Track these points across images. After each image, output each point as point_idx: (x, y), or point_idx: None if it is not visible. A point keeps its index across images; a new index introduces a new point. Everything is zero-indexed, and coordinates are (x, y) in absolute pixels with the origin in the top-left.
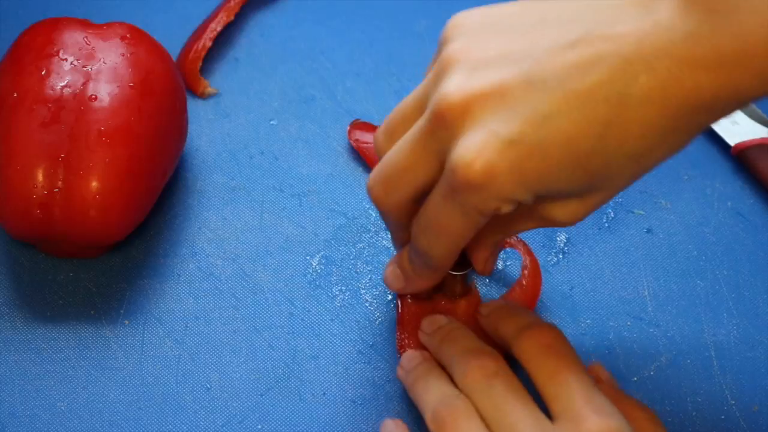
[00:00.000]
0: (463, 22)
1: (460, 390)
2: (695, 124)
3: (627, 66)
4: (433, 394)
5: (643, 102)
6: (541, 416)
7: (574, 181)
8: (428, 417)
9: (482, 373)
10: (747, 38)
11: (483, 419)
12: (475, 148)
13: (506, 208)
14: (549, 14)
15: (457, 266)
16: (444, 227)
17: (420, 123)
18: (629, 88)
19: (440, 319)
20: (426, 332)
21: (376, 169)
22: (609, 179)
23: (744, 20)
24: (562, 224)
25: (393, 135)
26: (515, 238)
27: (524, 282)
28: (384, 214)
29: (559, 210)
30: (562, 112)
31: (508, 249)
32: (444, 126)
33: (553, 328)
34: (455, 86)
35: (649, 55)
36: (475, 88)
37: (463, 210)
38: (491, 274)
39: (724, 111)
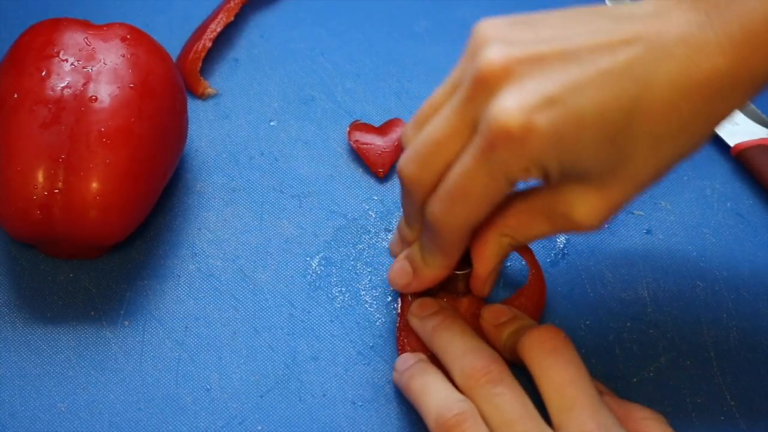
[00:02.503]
0: (491, 21)
1: (460, 389)
2: (715, 112)
3: (651, 51)
4: (433, 396)
5: (667, 84)
6: (547, 429)
7: (601, 155)
8: (432, 421)
9: (487, 379)
10: (754, 22)
11: (486, 422)
12: (517, 102)
13: (535, 174)
14: (569, 14)
15: (460, 265)
16: (467, 193)
17: (459, 94)
18: (654, 71)
19: (432, 304)
20: (417, 316)
21: (408, 151)
22: (631, 161)
23: (750, 7)
24: (579, 224)
25: (422, 125)
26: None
27: (528, 290)
28: (412, 196)
29: (580, 205)
30: (595, 84)
31: (512, 255)
32: (485, 88)
33: (558, 332)
34: (495, 52)
35: (669, 42)
36: (513, 54)
37: (491, 171)
38: (488, 293)
39: (742, 96)
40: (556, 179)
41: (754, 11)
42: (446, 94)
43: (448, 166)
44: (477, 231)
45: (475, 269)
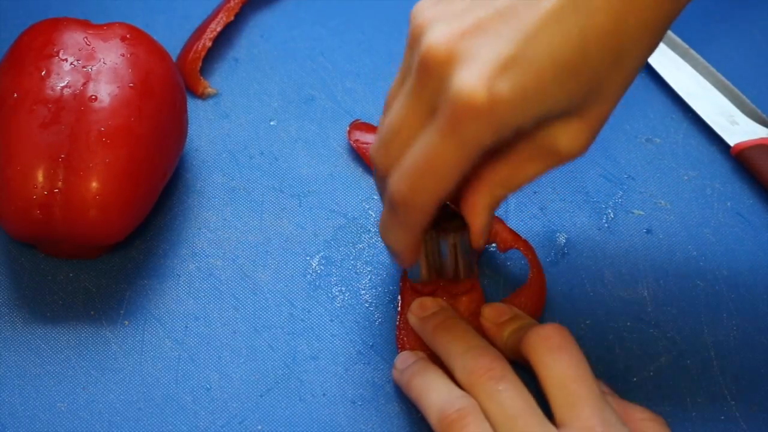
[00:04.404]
0: (423, 3)
1: (462, 385)
2: (661, 12)
3: None
4: (435, 393)
5: (606, 3)
6: (549, 425)
7: (571, 93)
8: (434, 417)
9: (489, 375)
10: None
11: (488, 419)
12: (475, 76)
13: (509, 134)
14: None
15: (447, 224)
16: (435, 167)
17: (408, 83)
18: None
19: (432, 304)
20: (417, 316)
21: (375, 139)
22: (600, 86)
23: None
24: (568, 154)
25: (396, 147)
26: (519, 241)
27: (529, 289)
28: (383, 180)
29: (565, 135)
30: (540, 29)
31: (512, 254)
32: (434, 73)
33: (562, 329)
34: (435, 36)
35: None
36: (453, 31)
37: (461, 144)
38: (485, 243)
39: None
40: (533, 128)
41: None
42: (398, 83)
43: (409, 147)
44: (467, 189)
45: (470, 225)
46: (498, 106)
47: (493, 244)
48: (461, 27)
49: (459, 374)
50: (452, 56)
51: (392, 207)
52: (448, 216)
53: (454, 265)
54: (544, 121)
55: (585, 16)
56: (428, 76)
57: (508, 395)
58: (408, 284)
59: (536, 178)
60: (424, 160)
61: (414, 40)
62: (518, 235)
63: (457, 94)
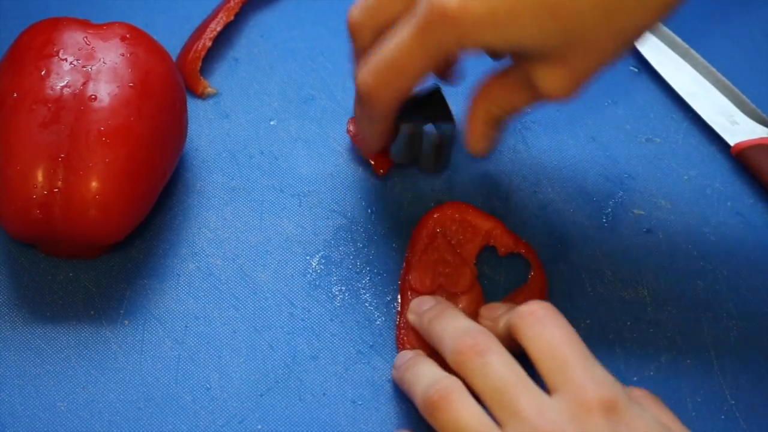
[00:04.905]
0: None
1: (452, 368)
2: None
3: None
4: (422, 379)
5: None
6: (539, 390)
7: (548, 33)
8: (419, 402)
9: (475, 350)
10: None
11: (478, 396)
12: None
13: (472, 50)
14: None
15: (434, 116)
16: (401, 65)
17: (412, 19)
18: None
19: (429, 300)
20: (415, 312)
21: (370, 63)
22: (583, 36)
23: None
24: (550, 94)
25: (372, 13)
26: (520, 242)
27: (530, 289)
28: (354, 43)
29: (546, 76)
30: None
31: (512, 254)
32: (443, 21)
33: (545, 303)
34: None
35: None
36: None
37: (426, 47)
38: (485, 154)
39: None
40: (513, 54)
41: None
42: None
43: (387, 25)
44: (471, 99)
45: (466, 130)
46: (466, 17)
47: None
48: None
49: (449, 358)
50: None
51: (359, 97)
52: (438, 108)
53: (433, 157)
54: (526, 56)
55: None
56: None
57: (494, 368)
58: (408, 284)
59: (526, 107)
60: (391, 56)
61: None
62: (519, 239)
63: (432, 1)
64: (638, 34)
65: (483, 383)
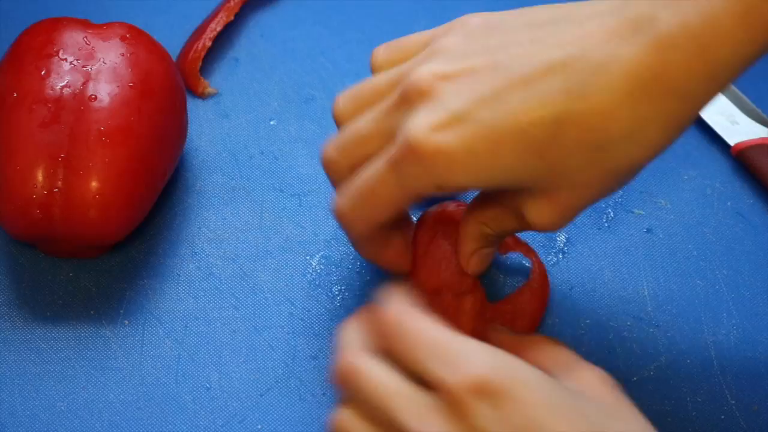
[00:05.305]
0: (468, 20)
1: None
2: (666, 110)
3: (586, 59)
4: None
5: (598, 92)
6: (419, 392)
7: (530, 170)
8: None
9: (345, 377)
10: (714, 6)
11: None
12: (428, 120)
13: (453, 190)
14: (541, 16)
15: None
16: (375, 195)
17: (390, 98)
18: (588, 81)
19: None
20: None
21: (337, 135)
22: (567, 172)
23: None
24: (537, 227)
25: (358, 102)
26: (521, 240)
27: (530, 289)
28: (329, 177)
29: (532, 209)
30: (516, 91)
31: (513, 253)
32: (408, 102)
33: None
34: (428, 69)
35: (622, 36)
36: (446, 71)
37: (400, 182)
38: (478, 273)
39: (701, 94)
40: (496, 189)
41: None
42: (390, 84)
43: (363, 161)
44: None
45: (459, 244)
46: (439, 158)
47: None
48: (453, 69)
49: None
50: (427, 94)
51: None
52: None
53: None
54: (513, 192)
55: (571, 99)
56: (403, 102)
57: (369, 385)
58: (412, 284)
59: (516, 232)
60: (366, 186)
61: (417, 62)
62: (519, 239)
63: (406, 134)
64: (632, 172)
65: (364, 406)
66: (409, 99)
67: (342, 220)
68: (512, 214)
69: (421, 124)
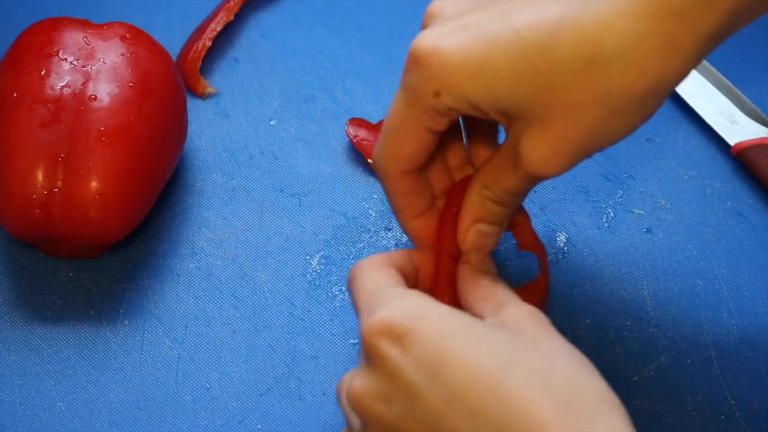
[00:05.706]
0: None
1: None
2: (662, 30)
3: None
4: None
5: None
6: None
7: (525, 84)
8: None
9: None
10: None
11: None
12: (430, 31)
13: (450, 101)
14: None
15: None
16: (391, 125)
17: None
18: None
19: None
20: None
21: (376, 146)
22: (563, 88)
23: None
24: (535, 166)
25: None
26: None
27: (531, 289)
28: (384, 183)
29: (526, 142)
30: (520, 8)
31: (524, 253)
32: (413, 66)
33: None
34: (426, 38)
35: None
36: (445, 31)
37: (407, 98)
38: (475, 250)
39: (699, 16)
40: (501, 120)
41: None
42: None
43: (414, 146)
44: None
45: (459, 216)
46: (435, 57)
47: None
48: (450, 28)
49: None
50: (436, 14)
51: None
52: None
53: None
54: (512, 118)
55: (569, 8)
56: (409, 66)
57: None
58: (442, 243)
59: (515, 189)
60: (386, 121)
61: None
62: (538, 239)
63: (410, 47)
64: (624, 102)
65: None
66: (415, 63)
67: (376, 167)
68: (509, 161)
69: (424, 35)
